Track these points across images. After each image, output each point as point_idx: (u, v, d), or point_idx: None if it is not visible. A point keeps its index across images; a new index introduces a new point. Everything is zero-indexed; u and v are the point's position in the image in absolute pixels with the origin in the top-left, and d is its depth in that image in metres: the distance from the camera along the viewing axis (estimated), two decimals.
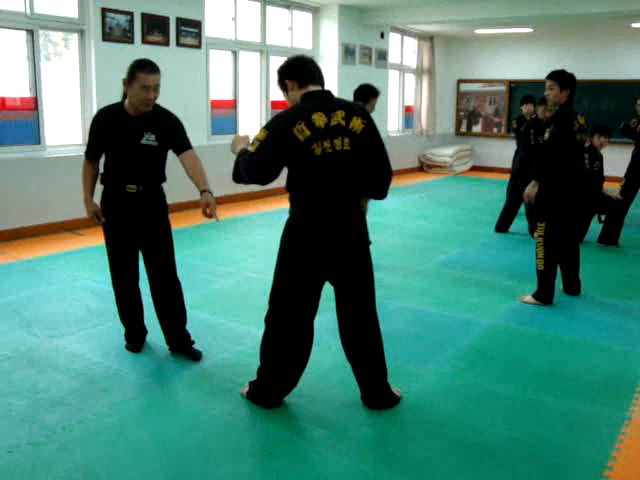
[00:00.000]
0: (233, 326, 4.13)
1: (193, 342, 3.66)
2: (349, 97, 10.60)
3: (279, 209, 8.24)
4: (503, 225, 7.29)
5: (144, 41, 7.07)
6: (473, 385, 3.39)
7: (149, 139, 3.35)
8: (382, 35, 10.88)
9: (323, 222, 2.80)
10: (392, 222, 7.75)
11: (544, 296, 4.75)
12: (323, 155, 2.74)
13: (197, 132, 7.88)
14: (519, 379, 3.47)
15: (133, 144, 3.34)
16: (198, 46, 7.73)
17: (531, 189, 4.65)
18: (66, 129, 6.99)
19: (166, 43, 7.32)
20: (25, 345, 3.73)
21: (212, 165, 8.09)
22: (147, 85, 3.22)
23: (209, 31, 8.00)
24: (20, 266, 5.39)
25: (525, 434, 2.90)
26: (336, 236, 2.83)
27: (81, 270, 5.29)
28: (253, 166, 2.75)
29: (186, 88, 7.70)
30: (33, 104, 6.38)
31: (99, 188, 3.53)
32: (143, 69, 3.24)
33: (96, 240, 6.14)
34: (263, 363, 3.04)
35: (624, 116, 8.61)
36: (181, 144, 3.44)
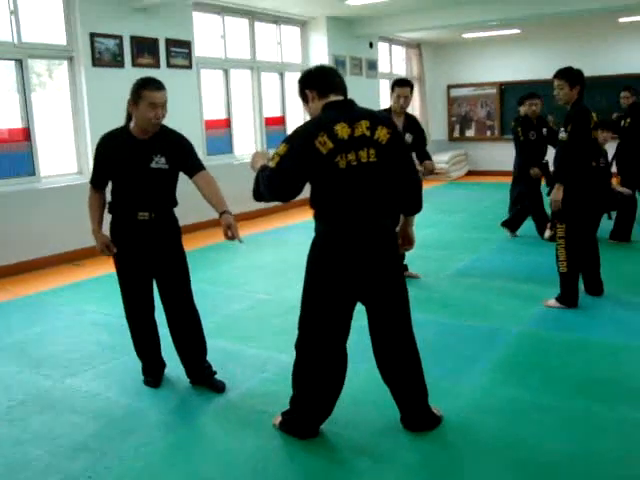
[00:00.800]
0: (253, 352, 3.94)
1: (215, 372, 3.47)
2: None
3: (281, 227, 8.10)
4: (512, 224, 7.12)
5: (135, 64, 6.91)
6: (515, 398, 3.21)
7: (159, 162, 3.18)
8: (371, 45, 10.79)
9: (351, 239, 2.64)
10: None
11: (569, 299, 4.59)
12: (348, 168, 2.58)
13: None
14: (562, 388, 3.31)
15: (143, 169, 3.17)
16: (189, 66, 7.58)
17: (556, 193, 4.43)
18: (59, 159, 6.80)
19: (157, 65, 7.17)
20: (37, 387, 3.52)
21: None
22: (154, 102, 3.08)
23: (199, 51, 7.86)
24: (23, 302, 5.19)
25: (581, 447, 2.73)
26: (366, 253, 2.66)
27: (86, 303, 5.08)
28: (274, 182, 2.59)
29: (179, 109, 7.51)
30: (25, 135, 6.20)
31: (107, 217, 3.35)
32: (149, 86, 3.09)
33: (96, 271, 5.99)
34: (296, 392, 2.86)
35: (616, 111, 8.49)
36: (193, 165, 3.28)
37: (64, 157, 6.79)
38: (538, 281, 5.24)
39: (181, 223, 3.21)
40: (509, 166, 7.68)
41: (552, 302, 4.65)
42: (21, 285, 5.68)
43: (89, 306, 4.99)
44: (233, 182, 8.04)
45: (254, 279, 5.69)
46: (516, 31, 11.29)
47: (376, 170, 2.63)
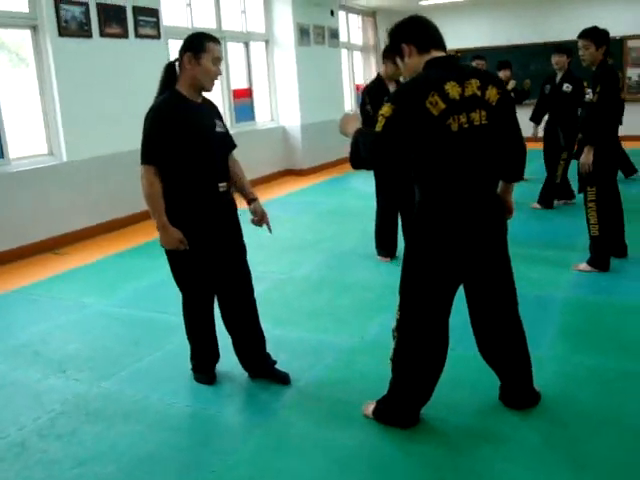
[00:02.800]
0: (298, 337, 3.63)
1: (275, 362, 3.15)
2: (308, 81, 10.01)
3: (263, 202, 7.69)
4: None
5: (102, 34, 6.31)
6: (598, 366, 3.08)
7: (220, 126, 2.87)
8: (332, 13, 10.42)
9: (465, 211, 2.38)
10: None
11: (601, 262, 4.48)
12: (460, 131, 2.30)
13: None
14: (636, 354, 3.18)
15: (212, 133, 2.81)
16: (157, 36, 7.02)
17: (587, 156, 4.28)
18: (24, 139, 6.17)
19: (125, 35, 6.58)
20: (72, 394, 3.09)
21: None
22: (218, 57, 2.75)
23: (166, 20, 7.31)
24: (13, 297, 4.63)
25: None
26: (480, 226, 2.42)
27: (84, 294, 4.60)
28: (380, 146, 2.30)
29: (149, 83, 6.94)
30: None
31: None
32: (211, 39, 2.75)
33: (81, 259, 5.55)
34: (399, 378, 2.58)
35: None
36: (232, 141, 3.01)
37: (30, 137, 6.17)
38: (557, 246, 5.16)
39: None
40: None
41: (583, 266, 4.53)
42: (2, 279, 5.11)
43: (88, 298, 4.52)
44: None
45: (262, 258, 5.30)
46: None
47: (487, 133, 2.37)
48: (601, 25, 4.42)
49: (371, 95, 4.76)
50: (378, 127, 2.29)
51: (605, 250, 4.49)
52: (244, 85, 9.09)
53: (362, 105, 4.83)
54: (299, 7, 9.45)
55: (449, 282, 2.48)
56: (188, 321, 3.07)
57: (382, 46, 12.60)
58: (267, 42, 9.45)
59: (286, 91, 9.58)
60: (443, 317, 2.54)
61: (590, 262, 4.52)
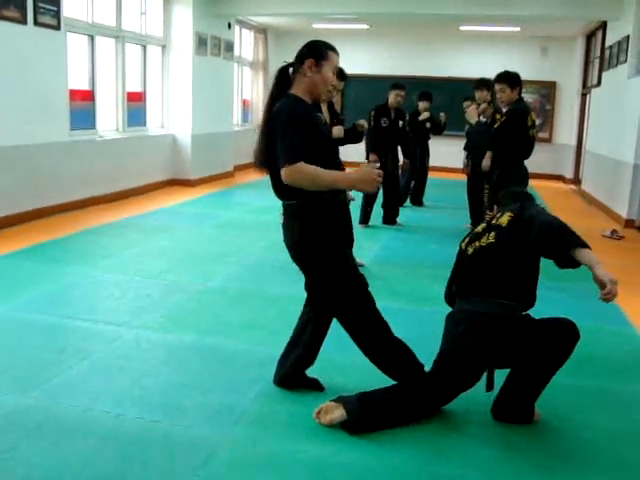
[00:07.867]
0: (235, 348, 3.55)
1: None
2: (202, 91, 9.84)
3: (149, 211, 7.44)
4: (366, 218, 7.08)
5: None
6: (559, 384, 3.14)
7: (332, 132, 2.90)
8: (229, 26, 10.36)
9: None
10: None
11: None
12: None
13: (57, 127, 6.79)
14: (581, 369, 3.39)
15: (330, 136, 2.92)
16: (57, 27, 6.61)
17: (486, 160, 5.33)
18: None
19: (23, 21, 6.13)
20: (4, 406, 2.80)
21: (73, 165, 6.98)
22: (338, 67, 2.82)
23: (66, 11, 6.89)
24: None
25: (620, 422, 2.89)
26: None
27: None
28: None
29: (44, 75, 6.57)
30: None
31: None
32: (333, 48, 2.78)
33: None
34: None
35: (448, 110, 8.99)
36: None
37: None
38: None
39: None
40: (352, 157, 7.49)
41: None
42: None
43: None
44: (96, 160, 7.20)
45: (168, 267, 5.13)
46: (364, 26, 11.61)
47: None
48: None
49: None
50: None
51: None
52: (138, 89, 8.77)
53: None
54: (199, 15, 9.31)
55: None
56: (382, 332, 2.94)
57: (271, 63, 12.74)
58: (164, 47, 9.21)
59: (180, 99, 9.37)
60: None
61: None
